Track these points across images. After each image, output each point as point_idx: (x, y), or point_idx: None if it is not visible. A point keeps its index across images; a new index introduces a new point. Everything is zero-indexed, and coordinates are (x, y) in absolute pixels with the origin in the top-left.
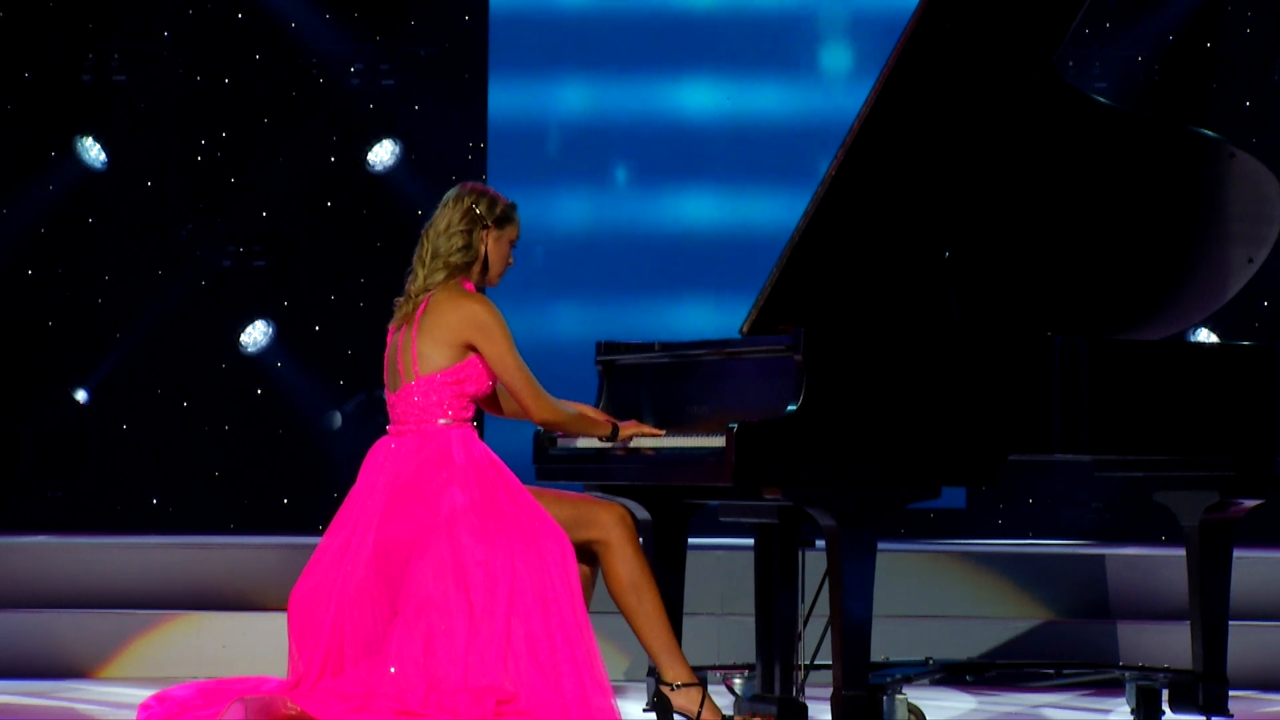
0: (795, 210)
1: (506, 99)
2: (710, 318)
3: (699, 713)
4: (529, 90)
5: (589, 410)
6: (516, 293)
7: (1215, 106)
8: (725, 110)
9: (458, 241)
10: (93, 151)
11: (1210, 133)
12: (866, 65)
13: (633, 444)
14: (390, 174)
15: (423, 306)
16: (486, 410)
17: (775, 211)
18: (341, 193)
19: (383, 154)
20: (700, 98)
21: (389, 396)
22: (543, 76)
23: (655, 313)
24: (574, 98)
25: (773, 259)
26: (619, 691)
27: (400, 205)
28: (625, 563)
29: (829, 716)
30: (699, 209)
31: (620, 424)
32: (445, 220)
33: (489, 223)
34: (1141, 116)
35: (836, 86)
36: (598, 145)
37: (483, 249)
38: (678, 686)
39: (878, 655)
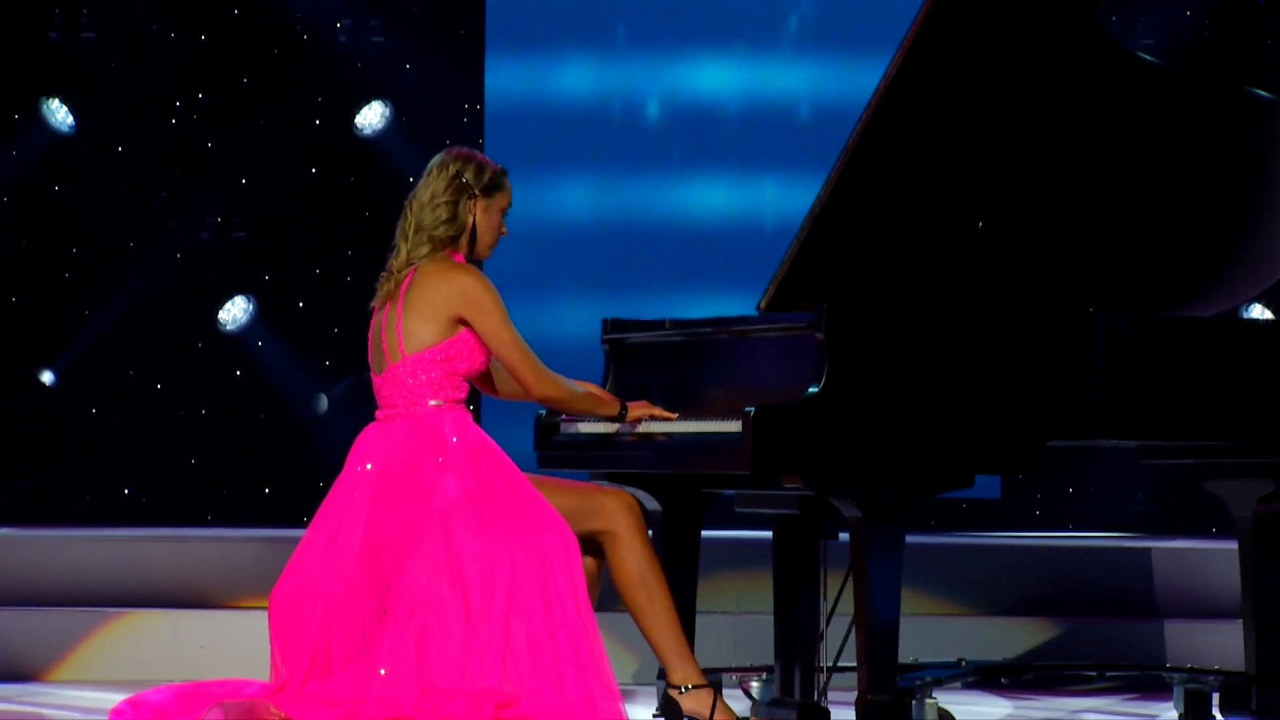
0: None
1: (504, 58)
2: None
3: (711, 717)
4: (527, 50)
5: (595, 389)
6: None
7: (1269, 65)
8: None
9: (442, 213)
10: (60, 114)
11: (1265, 93)
12: None
13: (642, 428)
14: (380, 138)
15: (407, 281)
16: (481, 390)
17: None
18: (328, 159)
19: (372, 117)
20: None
21: (374, 379)
22: (542, 35)
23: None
24: (577, 59)
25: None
26: (626, 695)
27: (391, 172)
28: (633, 555)
29: None
30: (710, 199)
31: (629, 404)
32: (429, 190)
33: (476, 191)
34: (1190, 75)
35: None
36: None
37: (470, 220)
38: (688, 689)
39: (906, 656)
